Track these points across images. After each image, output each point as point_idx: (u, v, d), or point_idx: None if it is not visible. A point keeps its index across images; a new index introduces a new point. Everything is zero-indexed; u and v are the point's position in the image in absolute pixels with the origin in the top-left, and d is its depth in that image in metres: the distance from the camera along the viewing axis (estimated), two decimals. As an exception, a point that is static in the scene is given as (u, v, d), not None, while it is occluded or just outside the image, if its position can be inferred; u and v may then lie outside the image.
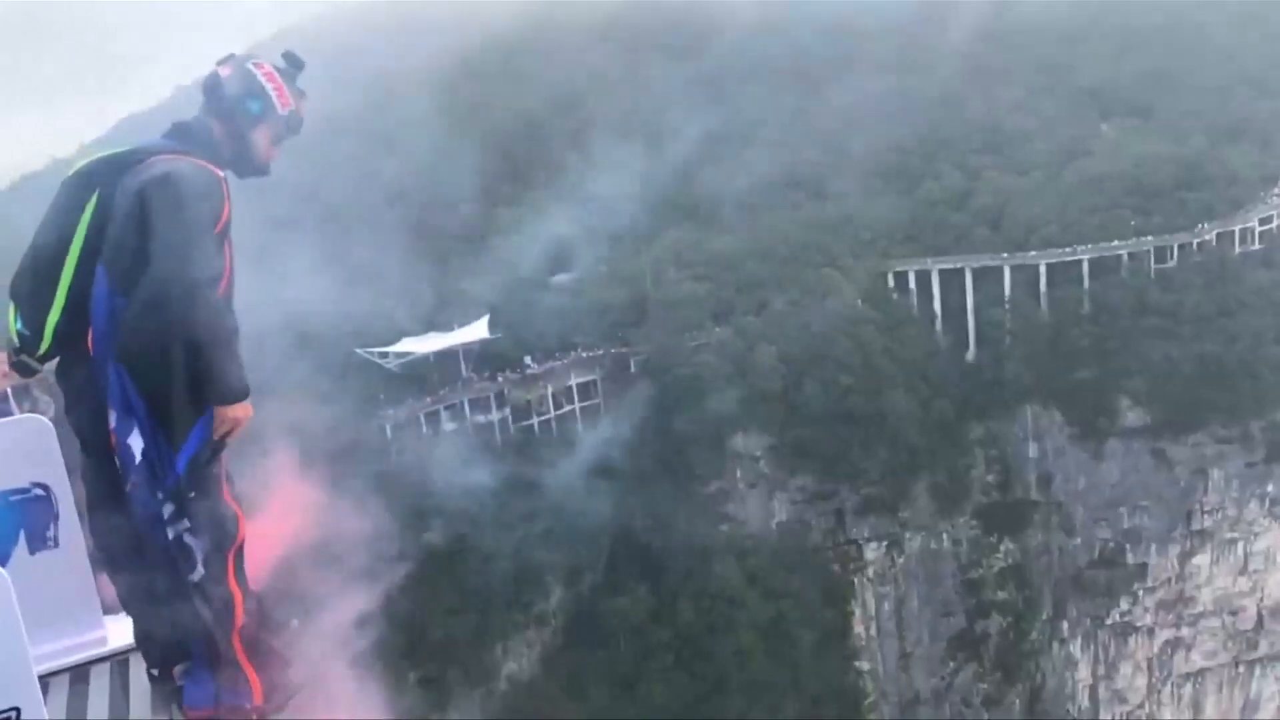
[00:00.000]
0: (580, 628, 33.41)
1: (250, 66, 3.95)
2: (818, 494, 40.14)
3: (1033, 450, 42.21)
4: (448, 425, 37.22)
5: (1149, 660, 42.99)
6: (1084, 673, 42.29)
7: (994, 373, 43.08)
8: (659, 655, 35.93)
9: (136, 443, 3.46)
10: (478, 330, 38.99)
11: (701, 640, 36.15)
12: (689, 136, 46.32)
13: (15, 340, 3.72)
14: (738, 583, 38.23)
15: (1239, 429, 42.88)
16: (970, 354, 44.03)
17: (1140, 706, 43.12)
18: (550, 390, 39.16)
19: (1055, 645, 42.14)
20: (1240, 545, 43.28)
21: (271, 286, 23.71)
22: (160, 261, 3.41)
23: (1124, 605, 42.74)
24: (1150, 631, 43.00)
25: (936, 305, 44.16)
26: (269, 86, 3.95)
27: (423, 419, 36.84)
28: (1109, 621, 42.59)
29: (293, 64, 4.05)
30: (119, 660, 3.90)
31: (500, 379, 38.84)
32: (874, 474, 39.60)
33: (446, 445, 35.66)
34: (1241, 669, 43.82)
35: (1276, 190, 47.16)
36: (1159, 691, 43.16)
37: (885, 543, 40.38)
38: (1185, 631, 43.37)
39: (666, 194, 45.43)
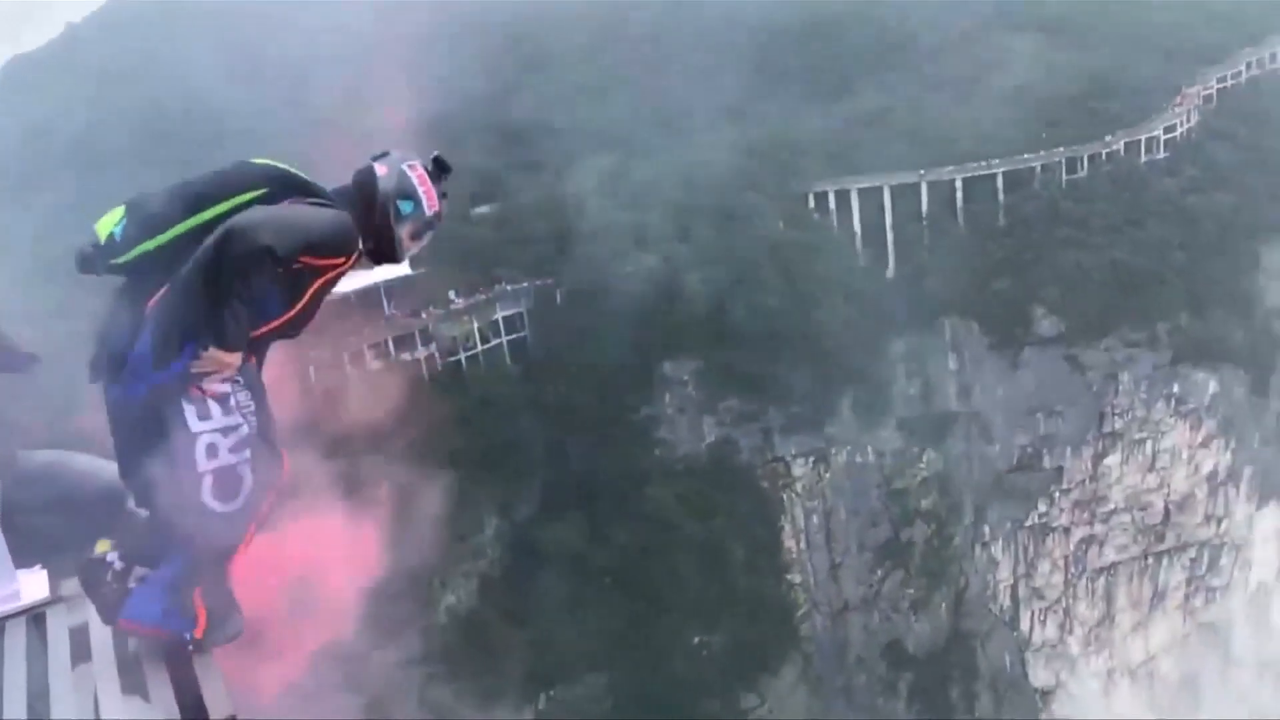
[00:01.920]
0: (517, 557, 33.86)
1: (405, 169, 4.31)
2: (745, 415, 40.79)
3: (952, 362, 43.37)
4: (373, 364, 36.95)
5: (1065, 558, 45.00)
6: (1005, 573, 44.14)
7: (914, 288, 43.97)
8: (596, 580, 36.62)
9: (143, 345, 3.84)
10: (399, 266, 38.41)
11: (637, 563, 36.90)
12: (604, 65, 45.85)
13: (101, 238, 4.07)
14: (670, 505, 38.90)
15: (1147, 333, 44.50)
16: (890, 271, 44.86)
17: (1057, 601, 45.24)
18: (476, 325, 39.03)
19: (978, 549, 43.79)
20: (1148, 444, 45.20)
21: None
22: (273, 219, 3.93)
23: (1042, 507, 44.54)
24: (1066, 531, 44.94)
25: (856, 224, 44.80)
26: (421, 190, 4.33)
27: (346, 359, 36.49)
28: (1028, 523, 44.38)
29: (441, 168, 4.41)
30: (35, 615, 3.95)
31: (425, 315, 38.56)
32: (800, 392, 40.30)
33: (372, 384, 35.46)
34: (1150, 560, 46.11)
35: (1179, 100, 48.44)
36: (1074, 586, 45.29)
37: (812, 459, 41.28)
38: (1099, 528, 45.40)
39: (586, 123, 45.02)
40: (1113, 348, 44.34)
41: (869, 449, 41.63)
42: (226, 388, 3.92)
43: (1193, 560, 47.15)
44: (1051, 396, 43.67)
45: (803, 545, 41.40)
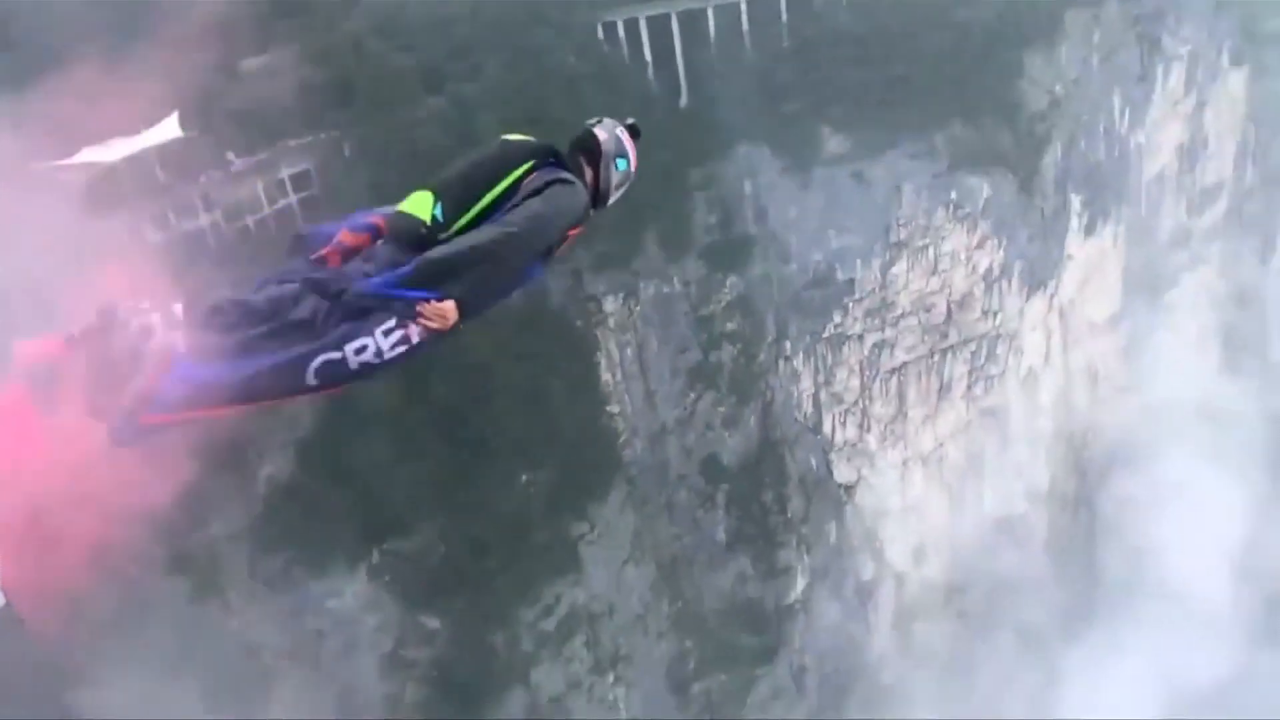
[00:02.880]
0: (334, 422, 33.60)
1: (619, 133, 5.86)
2: (554, 258, 40.91)
3: (748, 187, 44.51)
4: (153, 236, 34.83)
5: (860, 363, 48.23)
6: (806, 383, 46.99)
7: (707, 116, 44.36)
8: (419, 433, 36.84)
9: (404, 271, 5.19)
10: (167, 129, 35.87)
11: (458, 413, 37.27)
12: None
13: (426, 219, 5.38)
14: (487, 352, 39.07)
15: (925, 144, 46.77)
16: (683, 100, 45.01)
17: (855, 403, 48.73)
18: (261, 185, 37.10)
19: (781, 363, 46.26)
20: (930, 250, 48.24)
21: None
22: (526, 214, 5.27)
23: (837, 318, 47.22)
24: (860, 338, 47.98)
25: (647, 54, 44.41)
26: (630, 150, 5.84)
27: (124, 232, 34.22)
28: (825, 335, 47.06)
29: (635, 134, 5.93)
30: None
31: (203, 180, 36.34)
32: (605, 231, 40.58)
33: (154, 256, 33.52)
34: (936, 357, 50.04)
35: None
36: (870, 388, 48.80)
37: (622, 294, 42.12)
38: (889, 333, 48.68)
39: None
40: (894, 161, 46.48)
41: (675, 280, 42.78)
42: (415, 334, 5.15)
43: (973, 353, 51.46)
44: (841, 213, 45.67)
45: (619, 377, 42.71)
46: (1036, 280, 52.84)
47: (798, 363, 46.48)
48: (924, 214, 47.51)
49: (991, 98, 48.03)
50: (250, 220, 36.86)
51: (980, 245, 49.50)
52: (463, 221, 5.38)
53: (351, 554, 34.99)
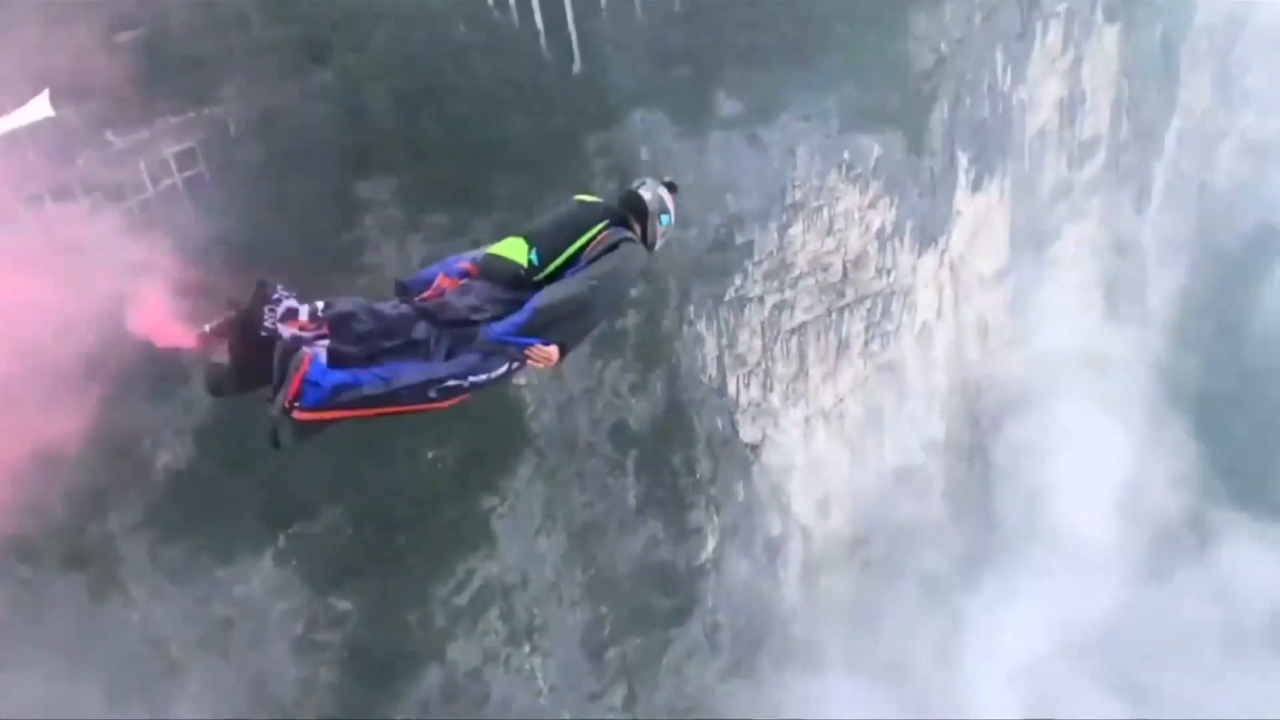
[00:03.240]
0: (231, 407, 32.75)
1: (661, 191, 7.12)
2: (452, 229, 40.34)
3: (645, 153, 44.51)
4: (27, 220, 33.28)
5: (761, 324, 48.97)
6: (710, 346, 47.54)
7: (601, 82, 44.18)
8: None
9: (520, 317, 6.38)
10: (38, 108, 34.14)
11: (360, 391, 36.66)
12: None
13: (523, 263, 6.54)
14: (387, 328, 38.52)
15: (817, 105, 47.37)
16: (576, 66, 44.70)
17: (758, 364, 49.53)
18: (144, 165, 35.73)
19: (685, 328, 46.68)
20: (825, 210, 49.09)
21: None
22: (607, 269, 6.46)
23: (738, 281, 47.78)
24: (761, 300, 48.68)
25: (538, 21, 43.88)
26: (671, 206, 7.02)
27: (-3, 220, 32.65)
28: (726, 298, 47.61)
29: (673, 189, 7.22)
30: None
31: (80, 162, 34.79)
32: (503, 199, 40.23)
33: (32, 244, 32.10)
34: (833, 316, 51.13)
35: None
36: (771, 349, 49.64)
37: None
38: (788, 294, 49.50)
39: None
40: (788, 123, 47.01)
41: (575, 248, 42.65)
42: (518, 373, 6.46)
43: (869, 310, 52.72)
44: (738, 176, 46.08)
45: (523, 348, 42.48)
46: (927, 237, 54.27)
47: (701, 327, 46.96)
48: (818, 175, 48.27)
49: (880, 58, 48.87)
50: (133, 201, 35.47)
51: (873, 204, 50.57)
52: (552, 267, 6.60)
53: (257, 539, 34.34)
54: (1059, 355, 61.23)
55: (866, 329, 52.79)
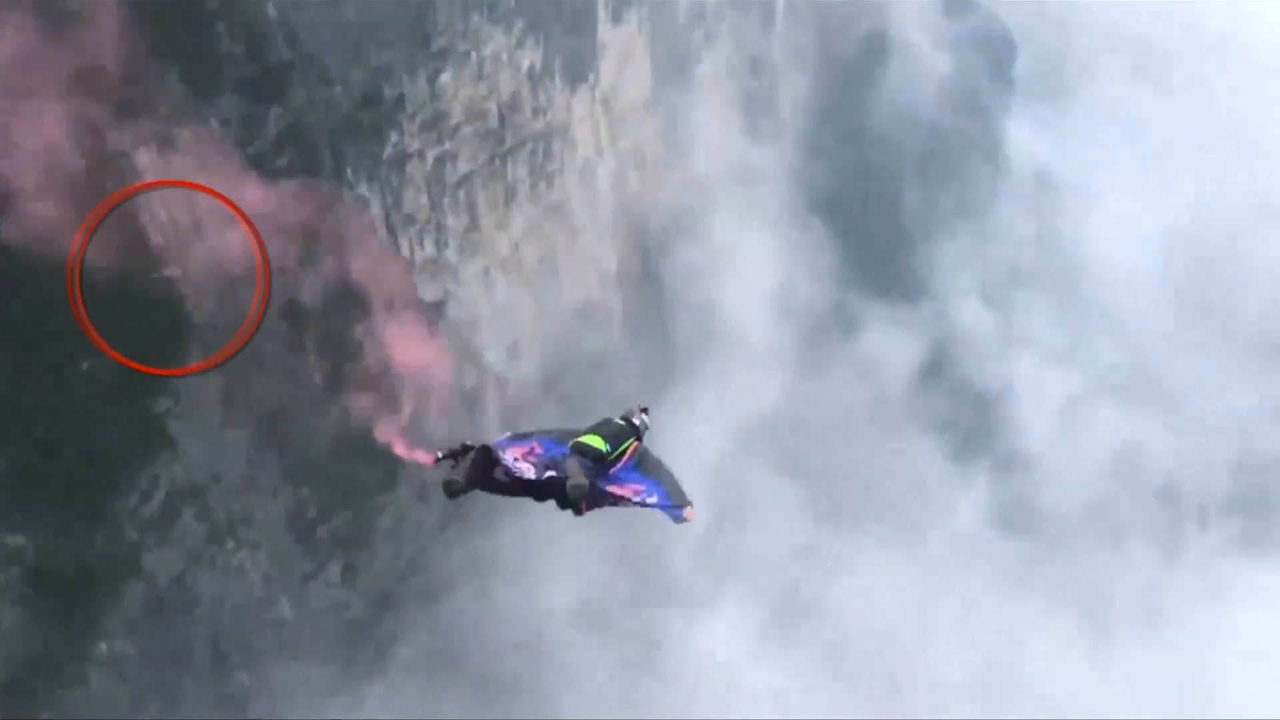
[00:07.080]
0: None
1: (644, 418, 11.75)
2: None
3: (272, 10, 41.15)
4: None
5: (425, 179, 47.90)
6: (375, 208, 46.05)
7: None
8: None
9: (620, 473, 10.94)
10: None
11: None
12: None
13: (602, 450, 10.82)
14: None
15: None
16: (176, -86, 40.04)
17: (428, 221, 48.66)
18: None
19: (345, 191, 44.77)
20: (473, 55, 48.06)
21: None
22: (664, 467, 11.16)
23: (394, 137, 46.13)
24: (421, 154, 47.42)
25: None
26: (647, 427, 11.80)
27: None
28: (385, 156, 45.97)
29: (645, 410, 12.04)
30: None
31: None
32: (114, 80, 36.01)
33: None
34: (497, 163, 50.91)
35: None
36: (440, 203, 48.88)
37: (156, 144, 38.07)
38: (449, 145, 48.53)
39: None
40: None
41: (212, 120, 39.24)
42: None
43: (531, 154, 52.93)
44: (376, 27, 43.83)
45: (172, 237, 39.23)
46: (577, 74, 54.72)
47: (364, 189, 45.26)
48: (460, 19, 46.96)
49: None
50: None
51: (520, 45, 50.10)
52: (615, 454, 10.88)
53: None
54: (711, 176, 64.79)
55: (531, 172, 53.09)
